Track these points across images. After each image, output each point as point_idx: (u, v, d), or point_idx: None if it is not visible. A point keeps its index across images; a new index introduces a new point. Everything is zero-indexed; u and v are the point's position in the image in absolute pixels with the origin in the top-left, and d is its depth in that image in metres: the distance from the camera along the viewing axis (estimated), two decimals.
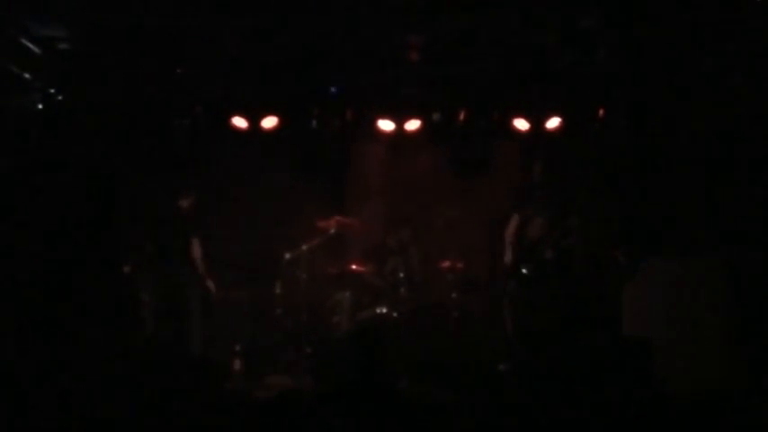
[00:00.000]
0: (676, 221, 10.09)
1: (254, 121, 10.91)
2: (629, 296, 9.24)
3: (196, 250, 9.98)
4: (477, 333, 10.18)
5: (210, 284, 10.05)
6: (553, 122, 10.82)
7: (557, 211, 9.80)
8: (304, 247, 10.49)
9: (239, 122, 10.92)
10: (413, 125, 11.07)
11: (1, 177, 9.16)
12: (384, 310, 10.22)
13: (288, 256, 10.48)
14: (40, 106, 9.83)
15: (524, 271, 9.75)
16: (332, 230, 10.64)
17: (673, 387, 7.10)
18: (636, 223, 10.34)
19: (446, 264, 10.66)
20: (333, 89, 10.70)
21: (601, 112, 10.66)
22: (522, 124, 10.88)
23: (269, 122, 10.91)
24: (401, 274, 10.52)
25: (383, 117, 11.04)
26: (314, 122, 11.02)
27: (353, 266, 10.83)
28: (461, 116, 10.95)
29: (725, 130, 9.74)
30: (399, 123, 11.06)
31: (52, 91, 9.89)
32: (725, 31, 8.82)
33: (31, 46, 8.99)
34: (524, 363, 9.28)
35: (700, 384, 7.96)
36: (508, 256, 9.88)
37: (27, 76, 9.54)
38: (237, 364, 9.97)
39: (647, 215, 10.35)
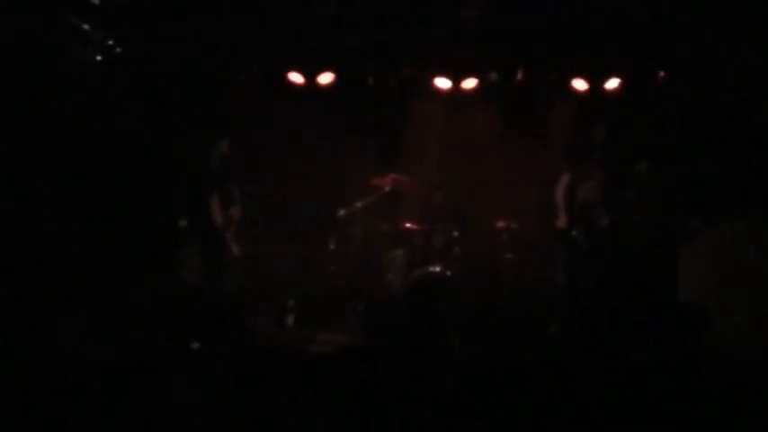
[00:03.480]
0: (736, 186, 9.92)
1: (311, 76, 10.90)
2: (686, 262, 9.13)
3: (214, 208, 9.58)
4: (530, 294, 10.14)
5: (232, 246, 9.73)
6: (612, 83, 10.67)
7: (612, 175, 9.68)
8: (358, 205, 10.51)
9: (296, 78, 10.91)
10: (470, 84, 11.00)
11: (59, 129, 9.24)
12: (437, 269, 10.21)
13: (342, 213, 10.50)
14: (99, 58, 9.87)
15: (575, 234, 9.65)
16: (386, 188, 10.63)
17: (729, 353, 7.01)
18: (695, 188, 10.17)
19: (501, 224, 10.61)
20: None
21: (661, 73, 10.48)
22: (580, 84, 10.75)
23: (325, 78, 10.90)
24: (455, 233, 10.49)
25: (440, 75, 10.98)
26: (370, 79, 10.98)
27: (407, 225, 10.81)
28: (518, 75, 10.83)
29: None
30: (456, 82, 11.00)
31: (111, 43, 9.92)
32: None
33: None
34: (576, 327, 9.23)
35: (756, 351, 7.85)
36: (561, 219, 9.78)
37: (86, 27, 9.58)
38: (290, 320, 10.03)
39: (706, 179, 10.18)
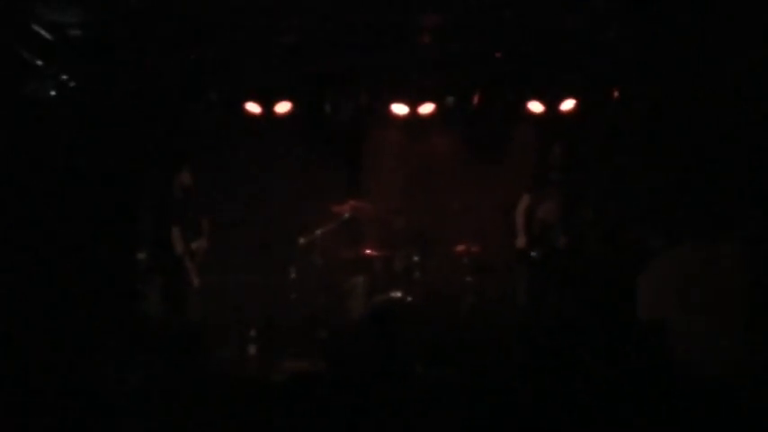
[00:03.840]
0: (695, 205, 10.00)
1: (268, 106, 10.90)
2: (646, 280, 9.18)
3: (176, 239, 9.45)
4: (493, 317, 10.16)
5: (194, 278, 9.57)
6: (568, 104, 10.76)
7: (570, 195, 9.74)
8: (318, 232, 10.50)
9: (253, 108, 10.91)
10: (426, 109, 11.05)
11: (13, 165, 9.18)
12: (399, 295, 10.23)
13: (302, 240, 10.48)
14: (53, 93, 9.81)
15: (534, 255, 9.70)
16: (346, 215, 10.64)
17: (689, 371, 7.05)
18: (653, 206, 10.25)
19: (461, 247, 10.65)
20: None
21: (616, 93, 10.58)
22: (536, 107, 10.83)
23: (282, 108, 10.91)
24: (415, 258, 10.51)
25: (397, 101, 11.03)
26: (327, 107, 11.00)
27: (368, 251, 10.83)
28: (475, 99, 10.90)
29: (745, 111, 9.64)
30: (413, 107, 11.05)
31: (65, 78, 9.87)
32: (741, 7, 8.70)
33: (42, 32, 8.97)
34: (538, 347, 9.24)
35: (717, 369, 7.90)
36: (520, 240, 9.82)
37: (39, 63, 9.53)
38: (252, 349, 9.98)
39: (664, 198, 10.26)
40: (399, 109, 11.06)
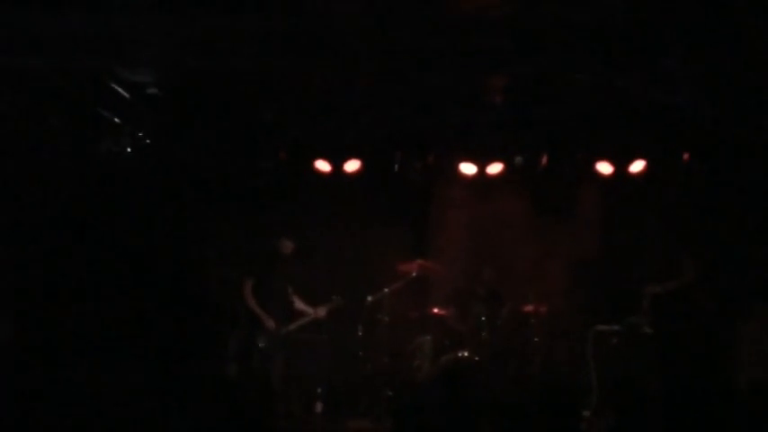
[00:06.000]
0: None
1: (337, 164, 11.00)
2: (744, 340, 9.03)
3: (247, 292, 9.79)
4: (561, 378, 10.05)
5: (269, 322, 9.74)
6: (637, 166, 10.68)
7: (650, 259, 9.66)
8: (386, 291, 10.50)
9: (322, 166, 11.01)
10: (495, 168, 11.01)
11: (92, 219, 9.41)
12: (466, 354, 10.16)
13: (370, 298, 10.49)
14: (129, 150, 10.04)
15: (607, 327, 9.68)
16: (413, 274, 10.64)
17: None
18: (735, 269, 10.09)
19: (529, 308, 10.58)
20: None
21: (686, 155, 10.48)
22: (605, 168, 10.75)
23: (351, 166, 10.99)
24: (483, 318, 10.46)
25: (465, 160, 11.03)
26: (396, 166, 11.05)
27: (435, 310, 10.83)
28: (544, 159, 10.86)
29: None
30: (481, 167, 11.03)
31: (141, 134, 10.11)
32: None
33: (120, 91, 9.20)
34: (609, 413, 9.13)
35: None
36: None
37: (117, 120, 9.78)
38: (318, 407, 10.00)
39: (742, 260, 10.11)
40: (467, 168, 11.06)
